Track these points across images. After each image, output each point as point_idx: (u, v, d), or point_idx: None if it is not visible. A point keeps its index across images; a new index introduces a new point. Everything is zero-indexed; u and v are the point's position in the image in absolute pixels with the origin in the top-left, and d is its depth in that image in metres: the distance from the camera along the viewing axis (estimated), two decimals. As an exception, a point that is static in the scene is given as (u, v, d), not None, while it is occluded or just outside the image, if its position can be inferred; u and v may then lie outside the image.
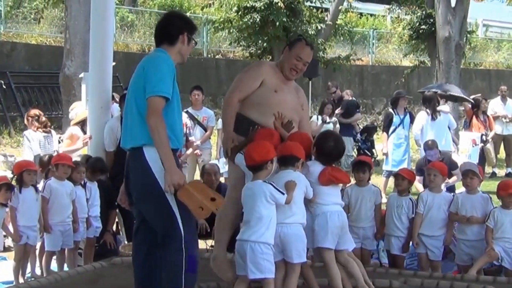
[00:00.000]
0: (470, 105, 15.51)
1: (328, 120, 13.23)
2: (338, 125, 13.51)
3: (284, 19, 16.52)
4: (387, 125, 13.06)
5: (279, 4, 16.40)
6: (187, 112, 11.36)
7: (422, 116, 12.86)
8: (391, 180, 10.36)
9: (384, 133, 13.09)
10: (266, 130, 5.90)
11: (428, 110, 12.81)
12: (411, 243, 7.55)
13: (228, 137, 6.06)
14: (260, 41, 17.20)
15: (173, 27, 5.41)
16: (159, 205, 5.08)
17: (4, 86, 17.99)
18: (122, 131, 5.42)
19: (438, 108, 12.89)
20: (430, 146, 10.75)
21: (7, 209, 7.41)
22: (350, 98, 15.62)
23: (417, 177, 9.45)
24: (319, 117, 13.40)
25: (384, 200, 8.08)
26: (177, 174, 5.01)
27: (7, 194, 7.31)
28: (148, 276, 5.26)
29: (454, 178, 10.34)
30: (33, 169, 7.55)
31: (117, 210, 8.43)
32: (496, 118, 16.62)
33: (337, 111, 14.33)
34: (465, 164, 7.74)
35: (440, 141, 11.71)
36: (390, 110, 13.25)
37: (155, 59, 5.28)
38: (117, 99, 9.78)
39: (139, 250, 5.39)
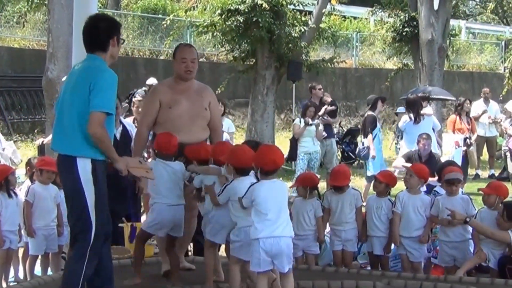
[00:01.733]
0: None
1: (310, 122, 13.23)
2: (321, 127, 13.51)
3: (268, 20, 16.52)
4: (372, 128, 13.08)
5: (263, 5, 16.39)
6: None
7: (405, 119, 12.99)
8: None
9: (370, 135, 13.00)
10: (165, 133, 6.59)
11: (411, 114, 12.92)
12: (393, 244, 7.60)
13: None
14: (244, 44, 17.19)
15: (102, 33, 5.53)
16: (78, 211, 5.42)
17: (-13, 90, 17.94)
18: (56, 133, 5.57)
19: (421, 112, 13.00)
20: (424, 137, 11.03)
21: None
22: (330, 100, 15.62)
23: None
24: (302, 119, 13.40)
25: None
26: (123, 160, 5.51)
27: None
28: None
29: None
30: (12, 171, 7.56)
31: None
32: (478, 119, 16.72)
33: (329, 108, 14.34)
34: (451, 174, 7.74)
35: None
36: (372, 113, 13.26)
37: (104, 75, 5.42)
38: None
39: None
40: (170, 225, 6.37)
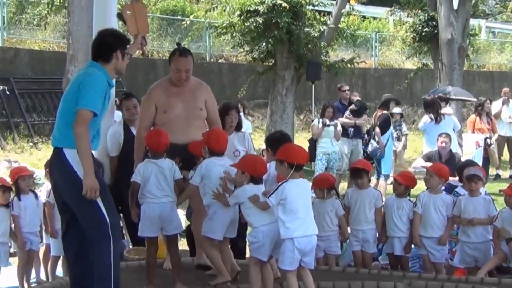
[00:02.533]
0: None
1: (328, 123, 13.21)
2: (339, 128, 13.47)
3: (287, 20, 16.52)
4: (385, 126, 13.17)
5: (282, 5, 16.40)
6: None
7: (426, 120, 12.97)
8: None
9: (377, 129, 13.33)
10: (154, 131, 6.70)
11: (431, 114, 12.89)
12: (413, 244, 7.58)
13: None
14: (263, 44, 17.19)
15: (105, 46, 5.89)
16: (82, 201, 5.53)
17: (7, 92, 18.01)
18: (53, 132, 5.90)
19: (441, 111, 12.98)
20: (444, 136, 11.01)
21: (13, 212, 7.44)
22: (356, 99, 15.58)
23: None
24: (320, 120, 13.38)
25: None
26: (94, 180, 5.50)
27: (5, 195, 7.37)
28: (81, 273, 5.67)
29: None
30: (27, 174, 7.57)
31: (121, 215, 8.43)
32: (499, 115, 16.64)
33: (351, 107, 14.29)
34: (470, 169, 7.72)
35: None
36: (386, 112, 13.35)
37: (92, 76, 5.71)
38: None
39: (70, 248, 5.82)
40: (159, 222, 6.31)
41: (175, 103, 6.95)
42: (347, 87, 15.20)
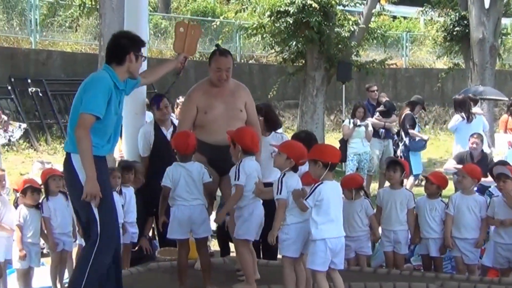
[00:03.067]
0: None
1: (359, 123, 13.18)
2: (370, 128, 13.44)
3: (318, 20, 16.50)
4: (412, 126, 13.47)
5: (313, 5, 16.38)
6: None
7: (457, 119, 12.90)
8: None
9: (412, 130, 13.49)
10: (182, 133, 6.69)
11: (463, 113, 12.82)
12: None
13: None
14: (293, 45, 17.18)
15: (119, 48, 5.89)
16: (82, 204, 5.60)
17: (40, 94, 18.20)
18: None
19: (472, 111, 12.93)
20: (475, 137, 10.99)
21: (44, 214, 7.50)
22: (384, 100, 15.53)
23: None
24: (351, 120, 13.36)
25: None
26: (95, 185, 5.51)
27: (34, 196, 7.44)
28: None
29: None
30: (58, 174, 7.63)
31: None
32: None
33: (379, 108, 14.26)
34: (498, 168, 7.65)
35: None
36: (409, 111, 13.38)
37: (94, 78, 5.78)
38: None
39: None
40: (188, 225, 6.33)
41: (215, 104, 6.96)
42: (375, 88, 15.16)
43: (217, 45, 7.33)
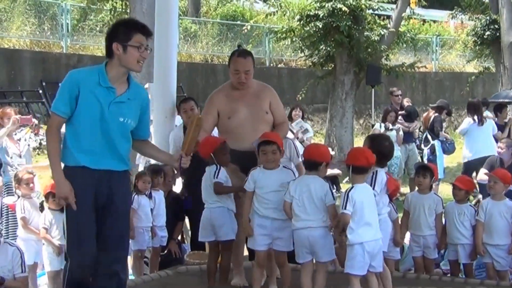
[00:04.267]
0: None
1: (391, 127, 13.15)
2: (401, 132, 13.41)
3: (348, 24, 16.49)
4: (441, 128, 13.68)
5: (343, 9, 16.38)
6: None
7: (469, 121, 12.92)
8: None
9: (441, 132, 13.60)
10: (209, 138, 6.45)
11: (475, 116, 12.82)
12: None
13: None
14: (322, 49, 17.18)
15: (107, 39, 5.32)
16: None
17: (71, 98, 18.34)
18: None
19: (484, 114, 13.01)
20: (504, 142, 10.84)
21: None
22: (407, 104, 15.49)
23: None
24: (382, 124, 13.33)
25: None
26: (63, 187, 5.09)
27: (56, 201, 7.47)
28: None
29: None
30: None
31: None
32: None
33: (400, 112, 14.24)
34: None
35: (487, 146, 12.26)
36: (438, 114, 13.69)
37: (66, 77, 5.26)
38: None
39: None
40: (210, 228, 6.33)
41: (238, 108, 6.68)
42: (399, 92, 15.12)
43: (238, 46, 7.18)
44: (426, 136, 13.68)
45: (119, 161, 5.26)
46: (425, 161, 13.12)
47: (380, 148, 6.18)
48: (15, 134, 9.62)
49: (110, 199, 5.23)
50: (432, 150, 13.32)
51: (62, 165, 5.14)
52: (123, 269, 5.45)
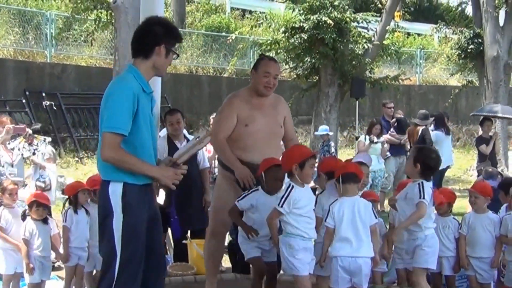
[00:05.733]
0: None
1: (375, 140, 13.16)
2: (386, 145, 13.43)
3: (333, 37, 16.53)
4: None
5: (328, 22, 16.42)
6: None
7: (438, 134, 13.29)
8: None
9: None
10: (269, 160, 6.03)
11: (442, 128, 13.28)
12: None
13: (244, 171, 6.16)
14: (307, 61, 17.21)
15: (150, 36, 4.92)
16: (106, 237, 4.85)
17: (54, 107, 18.29)
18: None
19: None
20: (489, 174, 10.21)
21: (66, 224, 7.49)
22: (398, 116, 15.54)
23: None
24: (367, 137, 13.35)
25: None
26: (165, 171, 4.89)
27: (38, 211, 7.43)
28: None
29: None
30: (86, 188, 7.62)
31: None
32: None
33: (392, 122, 14.29)
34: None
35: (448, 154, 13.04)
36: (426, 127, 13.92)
37: (114, 86, 4.88)
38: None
39: None
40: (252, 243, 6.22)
41: (256, 117, 6.37)
42: (392, 104, 15.16)
43: (261, 55, 6.97)
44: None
45: None
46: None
47: (426, 160, 6.19)
48: (9, 143, 9.62)
49: (154, 211, 5.07)
50: None
51: (121, 184, 4.79)
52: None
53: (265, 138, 6.34)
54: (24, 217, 7.68)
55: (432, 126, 13.91)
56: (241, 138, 6.32)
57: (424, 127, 13.78)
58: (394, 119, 14.51)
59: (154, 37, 4.89)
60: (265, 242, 6.07)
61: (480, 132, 14.30)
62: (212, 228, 6.49)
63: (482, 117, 15.02)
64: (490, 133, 14.06)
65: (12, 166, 9.49)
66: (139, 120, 4.80)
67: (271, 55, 18.44)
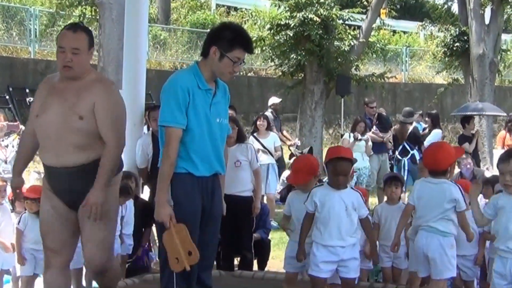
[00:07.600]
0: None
1: (360, 137, 13.16)
2: (370, 143, 13.42)
3: (319, 33, 16.51)
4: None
5: (314, 19, 16.40)
6: None
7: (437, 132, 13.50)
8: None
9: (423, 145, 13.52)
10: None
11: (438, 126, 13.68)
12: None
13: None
14: (293, 58, 17.19)
15: (210, 37, 5.07)
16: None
17: (38, 104, 18.17)
18: None
19: None
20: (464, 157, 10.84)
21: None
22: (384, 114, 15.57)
23: None
24: (351, 134, 13.35)
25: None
26: (163, 210, 4.93)
27: (31, 204, 7.34)
28: None
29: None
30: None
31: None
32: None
33: (375, 121, 14.29)
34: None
35: None
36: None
37: (166, 85, 4.99)
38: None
39: None
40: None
41: (52, 104, 5.29)
42: (375, 104, 15.11)
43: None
44: (404, 146, 13.67)
45: (222, 164, 5.17)
46: (404, 171, 13.15)
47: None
48: (3, 141, 9.58)
49: (211, 205, 5.12)
50: (414, 160, 13.27)
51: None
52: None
53: (58, 133, 5.07)
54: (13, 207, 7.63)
55: (425, 124, 13.90)
56: (36, 133, 5.21)
57: (413, 124, 13.82)
58: (375, 114, 14.52)
59: (212, 37, 5.03)
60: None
61: (462, 131, 14.33)
62: None
63: (462, 116, 15.09)
64: (472, 131, 14.10)
65: (5, 163, 9.47)
66: (190, 115, 4.90)
67: (256, 52, 18.45)
